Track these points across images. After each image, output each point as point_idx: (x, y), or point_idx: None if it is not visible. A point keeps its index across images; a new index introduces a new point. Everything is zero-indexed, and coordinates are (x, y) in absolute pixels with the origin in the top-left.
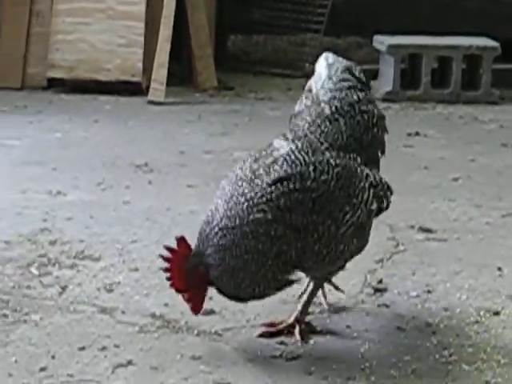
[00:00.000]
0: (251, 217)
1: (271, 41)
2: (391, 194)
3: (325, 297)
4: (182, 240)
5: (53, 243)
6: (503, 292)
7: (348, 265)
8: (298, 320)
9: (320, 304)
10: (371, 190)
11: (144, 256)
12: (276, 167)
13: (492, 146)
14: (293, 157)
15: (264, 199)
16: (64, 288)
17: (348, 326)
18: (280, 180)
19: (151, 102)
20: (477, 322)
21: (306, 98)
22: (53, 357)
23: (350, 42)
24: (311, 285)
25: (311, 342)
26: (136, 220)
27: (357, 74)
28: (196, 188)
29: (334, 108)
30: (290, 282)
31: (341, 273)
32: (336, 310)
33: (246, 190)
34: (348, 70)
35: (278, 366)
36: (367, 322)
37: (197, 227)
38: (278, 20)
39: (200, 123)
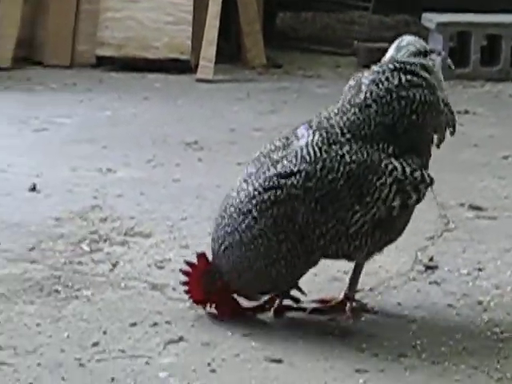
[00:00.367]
0: (252, 212)
1: (319, 18)
2: (426, 186)
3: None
4: (201, 256)
5: (103, 220)
6: None
7: (399, 242)
8: (347, 297)
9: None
10: (394, 186)
11: (194, 233)
12: (284, 162)
13: None
14: (304, 151)
15: (263, 196)
16: (115, 264)
17: (399, 304)
18: (283, 175)
19: (200, 80)
20: None
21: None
22: (104, 332)
23: (399, 20)
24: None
25: (362, 319)
26: (186, 197)
27: (423, 60)
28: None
29: (368, 93)
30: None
31: (392, 250)
32: (387, 287)
33: (250, 186)
34: (418, 54)
35: (330, 343)
36: (418, 299)
37: None
38: None
39: (249, 101)
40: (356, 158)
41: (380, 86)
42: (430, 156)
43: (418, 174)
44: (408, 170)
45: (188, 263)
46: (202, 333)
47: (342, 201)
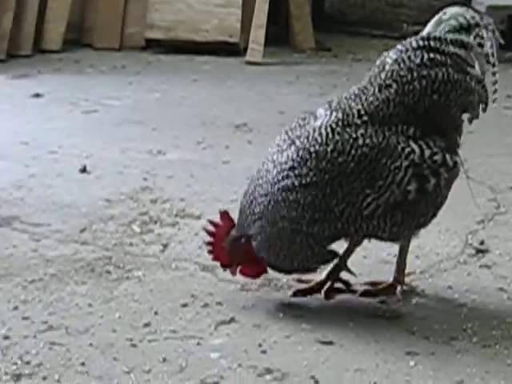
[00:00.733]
0: (280, 184)
1: (369, 2)
2: (448, 170)
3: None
4: (225, 214)
5: (154, 201)
6: None
7: (449, 226)
8: (397, 280)
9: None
10: (410, 170)
11: None
12: (297, 142)
13: None
14: (317, 133)
15: (289, 166)
16: (166, 245)
17: (449, 287)
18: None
19: (249, 63)
20: None
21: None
22: (156, 313)
23: (448, 3)
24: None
25: (413, 302)
26: (236, 179)
27: (461, 36)
28: None
29: (389, 73)
30: (333, 254)
31: (442, 233)
32: (437, 270)
33: (276, 158)
34: (458, 29)
35: (380, 326)
36: (469, 282)
37: None
38: None
39: (298, 84)
40: (369, 142)
41: (401, 65)
42: (460, 136)
43: (438, 157)
44: (427, 153)
45: (212, 222)
46: (252, 314)
47: (351, 184)
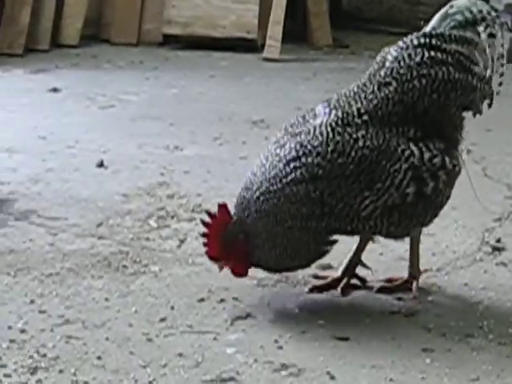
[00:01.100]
0: (289, 177)
1: None
2: (447, 173)
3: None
4: (223, 207)
5: (171, 197)
6: None
7: (466, 223)
8: (413, 276)
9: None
10: (409, 173)
11: None
12: (298, 138)
13: None
14: (318, 131)
15: (296, 155)
16: (182, 240)
17: (465, 284)
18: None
19: (266, 59)
20: None
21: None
22: (172, 308)
23: None
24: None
25: (429, 298)
26: None
27: (465, 32)
28: None
29: (388, 71)
30: (325, 252)
31: (459, 231)
32: (453, 268)
33: (280, 151)
34: (464, 24)
35: (396, 322)
36: (485, 280)
37: None
38: None
39: (315, 80)
40: (370, 144)
41: (401, 63)
42: (461, 137)
43: (437, 159)
44: (427, 155)
45: (208, 213)
46: (269, 310)
47: (350, 186)
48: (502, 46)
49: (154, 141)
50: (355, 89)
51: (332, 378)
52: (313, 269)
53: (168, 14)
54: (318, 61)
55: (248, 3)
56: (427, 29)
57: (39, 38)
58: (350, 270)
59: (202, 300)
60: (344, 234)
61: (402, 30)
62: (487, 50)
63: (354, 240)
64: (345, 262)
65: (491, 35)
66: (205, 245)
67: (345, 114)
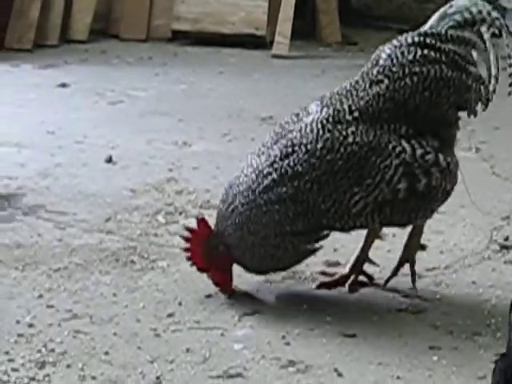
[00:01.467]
0: (261, 185)
1: None
2: (441, 170)
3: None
4: (202, 221)
5: (179, 193)
6: None
7: (474, 221)
8: (405, 259)
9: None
10: (400, 169)
11: None
12: (289, 135)
13: None
14: (308, 129)
15: (268, 163)
16: None
17: (473, 282)
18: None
19: (275, 56)
20: None
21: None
22: (180, 303)
23: None
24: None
25: (436, 296)
26: None
27: (462, 32)
28: None
29: (381, 68)
30: (314, 250)
31: (467, 229)
32: (461, 266)
33: (254, 162)
34: (463, 25)
35: (403, 320)
36: (493, 278)
37: None
38: None
39: (324, 77)
40: (359, 140)
41: (394, 60)
42: (455, 135)
43: (430, 156)
44: (419, 152)
45: (188, 229)
46: (276, 306)
47: (338, 182)
48: (508, 45)
49: (163, 137)
50: (348, 87)
51: (339, 374)
52: (320, 266)
53: (177, 9)
54: (327, 58)
55: (257, 0)
56: (425, 28)
57: (48, 33)
58: (357, 267)
59: (209, 296)
60: (334, 231)
61: (411, 28)
62: (491, 50)
63: (362, 237)
64: (352, 258)
65: (494, 35)
66: (188, 259)
67: (336, 112)
